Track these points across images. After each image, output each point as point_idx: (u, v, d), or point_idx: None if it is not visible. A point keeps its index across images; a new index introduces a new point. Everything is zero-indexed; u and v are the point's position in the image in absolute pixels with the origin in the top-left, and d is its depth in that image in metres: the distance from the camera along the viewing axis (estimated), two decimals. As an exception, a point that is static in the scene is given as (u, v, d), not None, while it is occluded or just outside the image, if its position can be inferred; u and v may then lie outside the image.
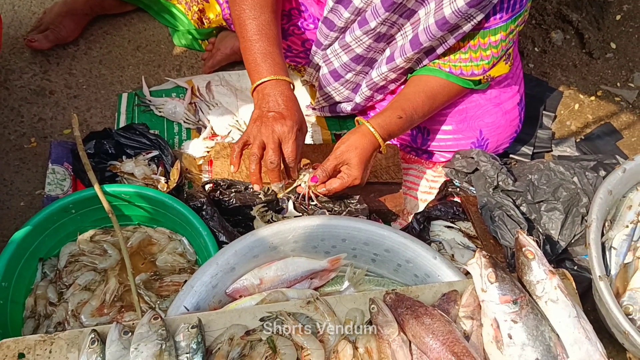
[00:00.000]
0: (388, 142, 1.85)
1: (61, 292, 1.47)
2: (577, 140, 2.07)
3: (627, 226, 1.47)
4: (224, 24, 2.02)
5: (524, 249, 1.21)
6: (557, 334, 1.13)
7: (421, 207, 1.81)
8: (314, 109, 1.97)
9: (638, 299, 1.36)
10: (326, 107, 1.92)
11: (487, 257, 1.18)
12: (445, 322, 1.13)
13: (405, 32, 1.60)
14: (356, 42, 1.64)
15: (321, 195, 1.54)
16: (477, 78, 1.64)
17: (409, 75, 1.72)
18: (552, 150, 2.02)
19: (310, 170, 1.55)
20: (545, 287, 1.17)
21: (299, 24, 1.80)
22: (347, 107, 1.88)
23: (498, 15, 1.50)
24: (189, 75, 2.02)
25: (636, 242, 1.46)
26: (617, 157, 1.93)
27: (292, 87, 1.51)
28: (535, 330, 1.12)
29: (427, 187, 1.86)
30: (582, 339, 1.13)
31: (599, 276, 1.34)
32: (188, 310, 1.20)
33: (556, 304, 1.15)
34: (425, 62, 1.66)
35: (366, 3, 1.54)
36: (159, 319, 1.10)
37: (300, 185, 1.54)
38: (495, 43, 1.55)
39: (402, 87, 1.74)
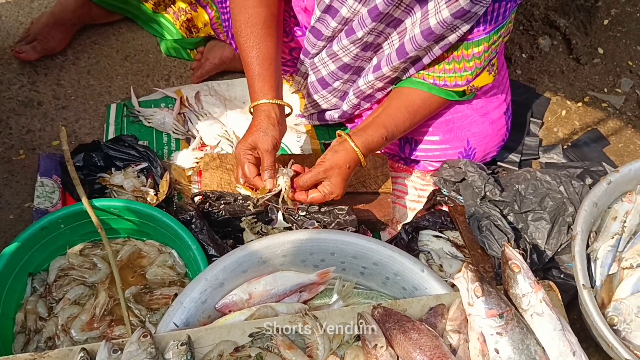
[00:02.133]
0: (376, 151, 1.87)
1: (51, 307, 1.47)
2: (564, 147, 2.08)
3: (613, 237, 1.49)
4: (212, 33, 2.02)
5: (509, 262, 1.22)
6: (543, 347, 1.15)
7: (410, 215, 1.82)
8: (302, 116, 1.98)
9: (622, 309, 1.38)
10: (314, 114, 1.93)
11: (474, 270, 1.20)
12: (432, 337, 1.14)
13: (392, 41, 1.61)
14: (343, 52, 1.64)
15: (299, 202, 1.58)
16: (461, 89, 1.65)
17: (394, 85, 1.73)
18: (539, 157, 2.03)
19: (284, 170, 1.56)
20: (531, 301, 1.18)
21: (287, 29, 1.81)
22: (334, 115, 1.89)
23: (481, 27, 1.51)
24: (178, 85, 2.03)
25: (621, 253, 1.48)
26: (604, 164, 1.95)
27: (273, 107, 1.55)
28: (521, 344, 1.13)
29: (415, 195, 1.87)
30: (567, 352, 1.14)
31: (583, 286, 1.36)
32: (177, 326, 1.21)
33: (541, 317, 1.17)
34: (412, 71, 1.67)
35: (353, 13, 1.55)
36: (148, 336, 1.11)
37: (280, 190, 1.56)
38: (478, 54, 1.56)
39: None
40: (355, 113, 1.87)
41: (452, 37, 1.52)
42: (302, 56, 1.78)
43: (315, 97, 1.83)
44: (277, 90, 1.59)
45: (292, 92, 2.02)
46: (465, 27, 1.48)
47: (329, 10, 1.58)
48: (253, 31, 1.57)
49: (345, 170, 1.55)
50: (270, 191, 1.53)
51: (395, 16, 1.53)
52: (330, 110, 1.89)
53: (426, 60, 1.61)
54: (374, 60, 1.68)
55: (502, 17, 1.50)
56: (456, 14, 1.43)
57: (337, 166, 1.54)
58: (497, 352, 1.13)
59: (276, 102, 1.56)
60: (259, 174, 1.54)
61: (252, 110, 1.58)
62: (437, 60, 1.61)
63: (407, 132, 1.71)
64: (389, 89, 1.75)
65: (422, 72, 1.65)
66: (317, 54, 1.71)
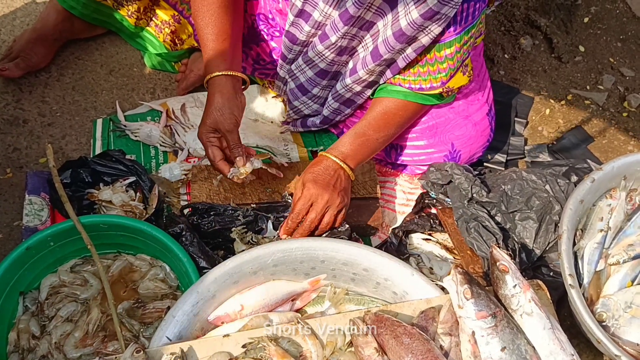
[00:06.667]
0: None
1: (44, 325, 1.46)
2: (550, 146, 2.10)
3: (599, 234, 1.51)
4: (196, 44, 2.03)
5: (498, 264, 1.24)
6: (533, 347, 1.17)
7: (399, 219, 1.83)
8: (287, 123, 1.98)
9: (611, 305, 1.40)
10: (298, 120, 1.94)
11: (463, 273, 1.21)
12: (424, 341, 1.16)
13: (366, 44, 1.62)
14: (319, 57, 1.66)
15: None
16: (437, 91, 1.65)
17: (372, 95, 1.75)
18: (525, 157, 2.06)
19: (253, 160, 1.57)
20: (520, 301, 1.20)
21: (267, 29, 1.82)
22: (316, 121, 1.90)
23: (452, 28, 1.52)
24: (163, 97, 2.03)
25: (607, 250, 1.50)
26: (589, 161, 1.97)
27: (226, 79, 1.54)
28: (511, 344, 1.15)
29: (404, 199, 1.88)
30: (557, 350, 1.16)
31: (571, 285, 1.37)
32: (170, 340, 1.21)
33: (531, 317, 1.18)
34: (388, 74, 1.66)
35: (325, 16, 1.56)
36: (142, 352, 1.11)
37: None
38: (450, 55, 1.57)
39: (370, 102, 1.76)
40: (337, 119, 1.88)
41: (425, 39, 1.52)
42: (280, 61, 1.79)
43: (296, 103, 1.85)
44: (232, 63, 1.58)
45: (274, 97, 2.03)
46: (437, 29, 1.49)
47: (301, 14, 1.59)
48: (209, 9, 1.57)
49: (316, 171, 1.56)
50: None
51: (367, 19, 1.54)
52: (312, 116, 1.90)
53: (401, 63, 1.61)
54: (350, 64, 1.69)
55: (472, 17, 1.51)
56: (425, 15, 1.44)
57: (304, 175, 1.56)
58: (489, 354, 1.15)
59: (228, 73, 1.54)
60: (223, 158, 1.55)
61: (206, 86, 1.56)
62: (411, 64, 1.62)
63: (391, 139, 1.72)
64: (367, 93, 1.75)
65: (397, 77, 1.65)
66: (294, 59, 1.73)
